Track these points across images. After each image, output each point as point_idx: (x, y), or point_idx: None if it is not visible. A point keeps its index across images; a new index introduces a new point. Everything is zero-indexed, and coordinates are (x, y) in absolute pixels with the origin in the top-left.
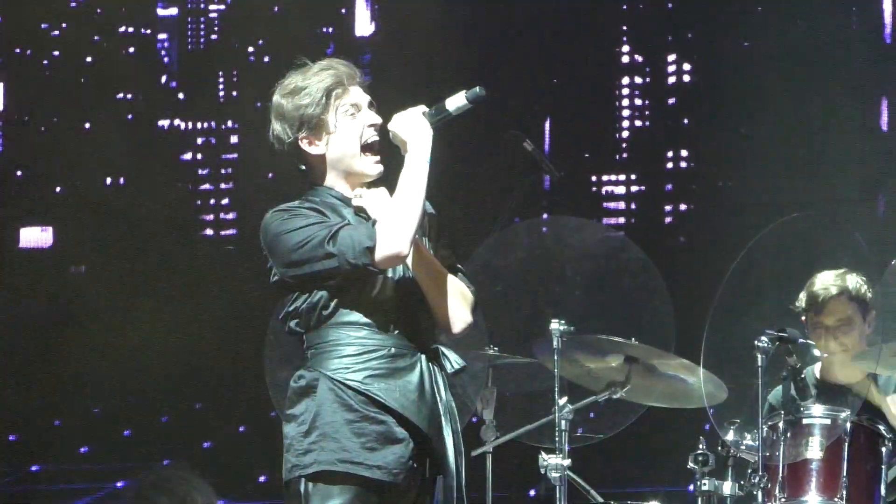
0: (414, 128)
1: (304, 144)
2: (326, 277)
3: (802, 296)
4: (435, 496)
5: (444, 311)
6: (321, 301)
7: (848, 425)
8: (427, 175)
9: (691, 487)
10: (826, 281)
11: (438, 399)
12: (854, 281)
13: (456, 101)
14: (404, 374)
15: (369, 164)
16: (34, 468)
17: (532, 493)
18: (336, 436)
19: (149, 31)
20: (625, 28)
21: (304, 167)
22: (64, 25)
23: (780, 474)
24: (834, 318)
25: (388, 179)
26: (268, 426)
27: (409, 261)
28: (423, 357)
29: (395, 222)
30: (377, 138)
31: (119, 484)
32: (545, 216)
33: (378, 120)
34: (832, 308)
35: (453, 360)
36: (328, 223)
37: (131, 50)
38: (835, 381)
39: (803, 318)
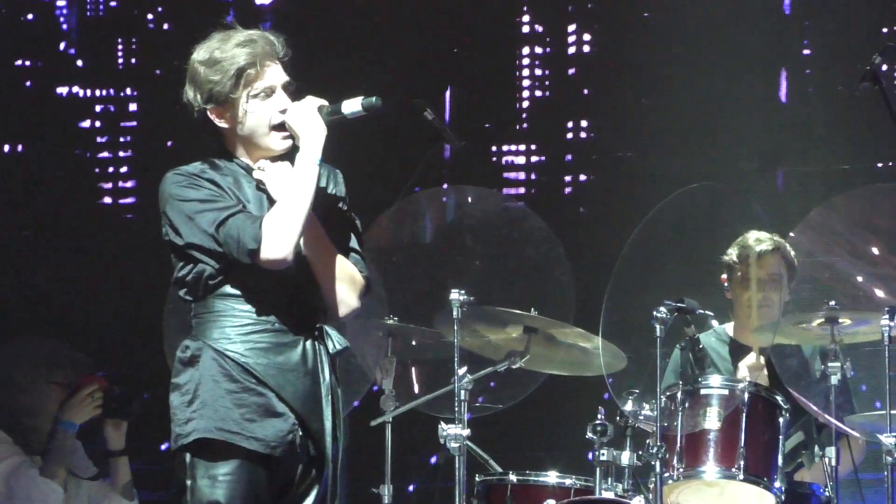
0: (308, 124)
1: (212, 115)
2: (206, 256)
3: (732, 251)
4: (324, 475)
5: (331, 294)
6: (206, 272)
7: (746, 395)
8: (316, 176)
9: (590, 457)
10: (760, 237)
11: (321, 379)
12: (784, 242)
13: (352, 106)
14: (286, 350)
15: (276, 140)
16: None
17: (433, 460)
18: (215, 405)
19: None
20: None
21: (212, 134)
22: None
23: (678, 444)
24: (766, 271)
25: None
26: (168, 395)
27: (301, 240)
28: (308, 335)
29: (281, 227)
30: (286, 120)
31: None
32: (445, 186)
33: (287, 104)
34: (766, 261)
35: (336, 341)
36: (221, 204)
37: (30, 17)
38: (749, 345)
39: (724, 276)
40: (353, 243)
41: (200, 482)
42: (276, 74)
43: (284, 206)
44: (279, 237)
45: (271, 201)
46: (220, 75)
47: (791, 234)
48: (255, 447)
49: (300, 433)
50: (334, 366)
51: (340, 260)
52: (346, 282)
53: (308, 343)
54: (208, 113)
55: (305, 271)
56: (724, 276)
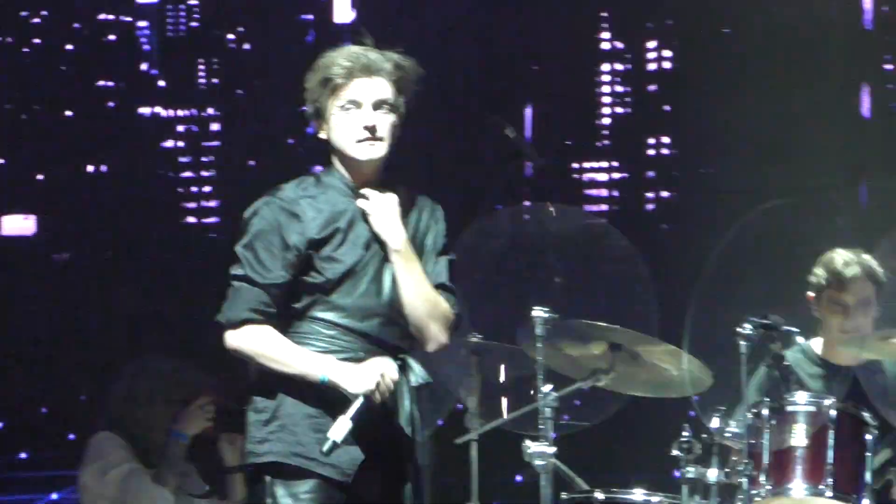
0: (354, 373)
1: (315, 125)
2: None
3: (820, 272)
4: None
5: (420, 328)
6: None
7: (833, 412)
8: (303, 375)
9: (676, 474)
10: (848, 259)
11: (400, 408)
12: (871, 261)
13: (337, 432)
14: None
15: (360, 149)
16: (22, 455)
17: (518, 478)
18: (294, 429)
19: (129, 19)
20: (604, 14)
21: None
22: (44, 13)
23: (765, 461)
24: (856, 298)
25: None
26: None
27: (397, 270)
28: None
29: (254, 347)
30: (369, 135)
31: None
32: (527, 203)
33: (374, 122)
34: (856, 288)
35: (418, 374)
36: (257, 268)
37: (111, 37)
38: (837, 362)
39: (812, 294)
40: (446, 279)
41: (282, 500)
42: (367, 89)
43: (273, 353)
44: (242, 347)
45: (373, 233)
46: (311, 83)
47: (877, 249)
48: (330, 474)
49: (377, 463)
50: (416, 397)
51: (433, 296)
52: (438, 319)
53: None
54: (313, 122)
55: (394, 303)
56: (812, 294)
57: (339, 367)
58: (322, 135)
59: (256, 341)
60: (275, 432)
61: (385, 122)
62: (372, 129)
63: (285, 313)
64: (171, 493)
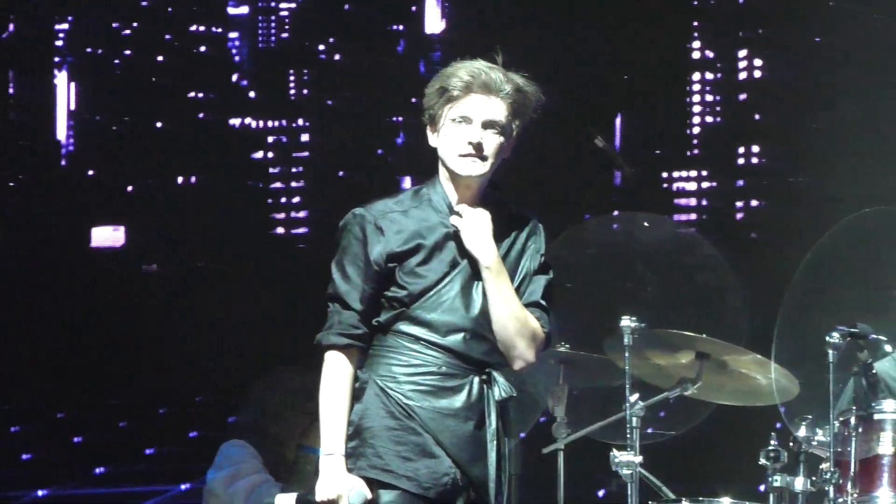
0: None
1: (428, 132)
2: None
3: None
4: None
5: (508, 346)
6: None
7: None
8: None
9: (762, 486)
10: None
11: (487, 424)
12: None
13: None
14: (448, 394)
15: (464, 164)
16: (98, 470)
17: (601, 493)
18: (373, 441)
19: (219, 30)
20: (695, 24)
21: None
22: (135, 24)
23: (852, 470)
24: None
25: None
26: None
27: (487, 287)
28: (476, 379)
29: (322, 378)
30: (473, 151)
31: (183, 486)
32: (616, 212)
33: (481, 139)
34: None
35: (502, 389)
36: (349, 289)
37: (202, 48)
38: None
39: None
40: (540, 297)
41: None
42: (481, 107)
43: (323, 392)
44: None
45: (461, 249)
46: (431, 90)
47: None
48: (408, 486)
49: (458, 477)
50: (503, 412)
51: (523, 315)
52: (527, 337)
53: (475, 388)
54: (427, 129)
55: (482, 319)
56: None
57: (329, 463)
58: (432, 143)
59: (327, 372)
60: (357, 447)
61: (492, 142)
62: (477, 147)
63: (375, 328)
64: None
